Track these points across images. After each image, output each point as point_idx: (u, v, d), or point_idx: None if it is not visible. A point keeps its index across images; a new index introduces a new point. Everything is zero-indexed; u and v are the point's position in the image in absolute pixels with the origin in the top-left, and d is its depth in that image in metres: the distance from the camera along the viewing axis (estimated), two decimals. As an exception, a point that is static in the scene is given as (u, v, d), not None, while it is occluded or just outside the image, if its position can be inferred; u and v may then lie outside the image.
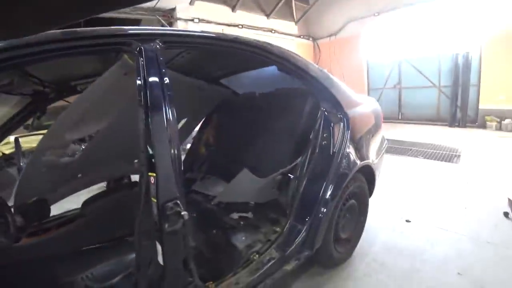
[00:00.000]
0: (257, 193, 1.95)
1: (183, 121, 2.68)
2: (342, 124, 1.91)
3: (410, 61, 7.72)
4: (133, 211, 1.98)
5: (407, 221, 2.68)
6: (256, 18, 7.62)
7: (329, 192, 1.75)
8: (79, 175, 1.84)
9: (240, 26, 7.20)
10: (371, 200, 2.36)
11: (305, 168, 1.82)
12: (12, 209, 1.62)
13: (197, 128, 3.04)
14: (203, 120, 2.91)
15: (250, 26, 7.37)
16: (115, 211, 1.86)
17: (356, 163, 1.96)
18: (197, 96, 2.39)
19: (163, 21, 5.97)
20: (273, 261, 1.61)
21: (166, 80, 1.17)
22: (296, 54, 1.82)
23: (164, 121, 1.10)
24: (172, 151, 1.10)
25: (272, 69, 2.57)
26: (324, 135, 1.84)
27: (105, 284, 1.81)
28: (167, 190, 1.08)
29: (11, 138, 2.38)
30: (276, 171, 1.89)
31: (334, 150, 1.82)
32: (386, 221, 2.69)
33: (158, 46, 1.18)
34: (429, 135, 6.27)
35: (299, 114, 2.09)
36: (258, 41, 1.60)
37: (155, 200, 1.06)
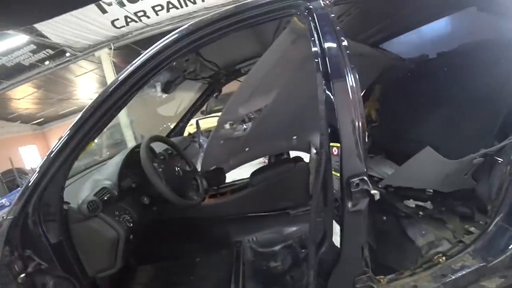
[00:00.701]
0: (442, 179, 1.55)
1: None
2: None
3: None
4: (297, 185, 2.07)
5: None
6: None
7: None
8: (246, 149, 2.02)
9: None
10: None
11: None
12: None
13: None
14: (362, 93, 2.65)
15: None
16: (280, 184, 1.96)
17: None
18: (358, 65, 2.15)
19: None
20: (467, 270, 1.21)
21: (344, 40, 1.02)
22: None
23: (346, 85, 0.97)
24: (358, 120, 0.96)
25: (444, 24, 2.00)
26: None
27: (266, 250, 1.96)
28: (353, 164, 0.95)
29: (193, 121, 2.89)
30: (472, 152, 1.42)
31: None
32: None
33: (328, 2, 1.04)
34: None
35: (508, 73, 1.48)
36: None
37: (338, 174, 0.95)
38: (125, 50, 6.58)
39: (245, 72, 2.39)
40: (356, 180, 0.93)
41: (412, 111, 2.12)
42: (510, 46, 1.49)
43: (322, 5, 1.04)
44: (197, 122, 2.85)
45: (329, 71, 0.97)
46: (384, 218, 1.70)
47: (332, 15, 1.04)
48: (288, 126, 2.03)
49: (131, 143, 5.81)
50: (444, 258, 1.29)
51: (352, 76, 0.98)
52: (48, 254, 1.10)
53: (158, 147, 1.85)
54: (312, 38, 1.02)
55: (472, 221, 1.43)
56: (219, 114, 1.75)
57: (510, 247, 1.20)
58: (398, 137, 2.15)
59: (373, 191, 0.92)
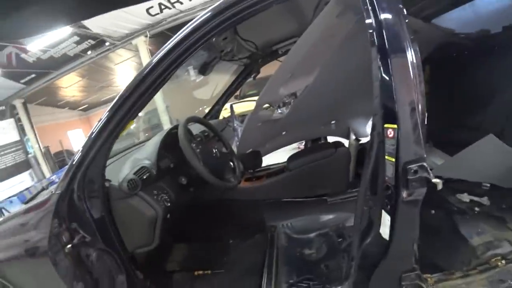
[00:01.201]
0: (504, 172, 1.36)
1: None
2: None
3: None
4: (336, 172, 1.98)
5: None
6: None
7: None
8: (284, 133, 1.95)
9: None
10: None
11: None
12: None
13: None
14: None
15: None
16: (318, 170, 1.87)
17: None
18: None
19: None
20: None
21: (402, 9, 0.89)
22: None
23: (406, 61, 0.85)
24: (418, 100, 0.85)
25: None
26: None
27: (301, 236, 1.91)
28: (411, 148, 0.84)
29: (227, 105, 2.87)
30: None
31: None
32: None
33: None
34: None
35: None
36: None
37: (393, 160, 0.85)
38: (160, 38, 6.70)
39: (283, 53, 2.30)
40: (414, 166, 0.83)
41: (469, 95, 1.89)
42: None
43: None
44: (231, 106, 2.82)
45: (386, 44, 0.85)
46: (433, 212, 1.54)
47: None
48: (327, 110, 1.92)
49: (167, 127, 6.03)
50: (503, 261, 1.15)
51: (412, 50, 0.86)
52: (92, 228, 1.16)
53: (195, 128, 1.84)
54: (366, 7, 0.90)
55: None
56: (253, 98, 1.70)
57: None
58: (450, 124, 1.94)
59: (434, 180, 0.82)
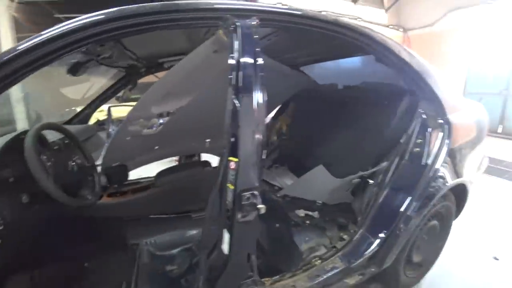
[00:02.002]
0: (328, 193, 1.80)
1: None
2: (442, 131, 1.61)
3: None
4: (202, 190, 2.06)
5: (495, 258, 2.23)
6: (342, 4, 7.12)
7: (412, 209, 1.49)
8: (156, 147, 1.94)
9: (324, 12, 6.81)
10: (454, 224, 2.00)
11: (388, 176, 1.59)
12: (100, 169, 1.79)
13: (271, 115, 2.97)
14: (278, 107, 2.82)
15: (335, 12, 6.93)
16: (185, 187, 1.93)
17: (450, 180, 1.64)
18: (277, 82, 2.30)
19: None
20: (335, 271, 1.46)
21: (260, 60, 1.07)
22: (399, 44, 1.56)
23: (253, 105, 1.02)
24: (258, 138, 1.03)
25: (356, 61, 2.33)
26: (418, 142, 1.57)
27: (164, 253, 1.91)
28: (246, 179, 1.01)
29: (105, 107, 2.64)
30: (353, 173, 1.70)
31: (428, 161, 1.54)
32: (467, 253, 2.28)
33: (254, 23, 1.09)
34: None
35: (390, 114, 1.83)
36: (360, 25, 1.41)
37: (232, 187, 1.00)
38: (36, 8, 5.48)
39: (168, 68, 2.28)
40: (247, 194, 1.00)
41: (315, 131, 2.38)
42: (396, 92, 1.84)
43: (249, 24, 1.08)
44: (109, 109, 2.58)
45: (239, 87, 1.01)
46: (277, 225, 1.86)
47: (256, 36, 1.08)
48: (202, 129, 2.02)
49: (21, 123, 4.81)
50: (320, 261, 1.51)
51: (260, 96, 1.03)
52: None
53: (54, 135, 1.61)
54: (231, 54, 1.05)
55: (346, 230, 1.71)
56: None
57: (367, 251, 1.49)
58: (301, 152, 2.39)
59: (259, 206, 1.00)
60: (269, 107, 2.75)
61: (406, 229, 1.49)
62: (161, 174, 2.06)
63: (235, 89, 1.02)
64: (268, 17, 1.16)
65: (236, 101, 1.01)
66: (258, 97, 1.04)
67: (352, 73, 2.33)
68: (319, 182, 1.81)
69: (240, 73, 1.02)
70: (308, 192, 1.88)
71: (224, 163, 1.03)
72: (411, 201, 1.49)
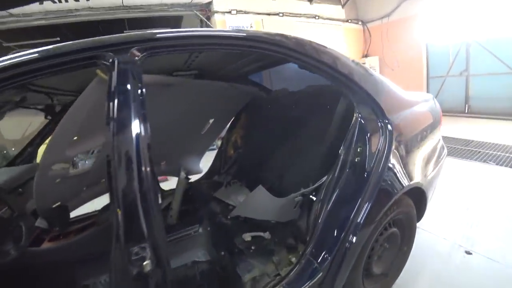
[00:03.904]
0: (277, 212, 1.69)
1: (210, 121, 2.51)
2: (383, 135, 1.52)
3: (481, 43, 6.46)
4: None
5: (467, 252, 2.13)
6: (298, 4, 7.13)
7: (359, 221, 1.38)
8: (84, 188, 1.83)
9: (281, 15, 6.81)
10: (422, 219, 1.93)
11: (330, 190, 1.47)
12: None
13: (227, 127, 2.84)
14: (232, 119, 2.71)
15: (292, 13, 6.94)
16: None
17: (402, 185, 1.54)
18: (223, 95, 2.20)
19: (201, 16, 5.91)
20: None
21: (140, 96, 0.95)
22: (322, 46, 1.46)
23: (133, 147, 0.88)
24: (141, 183, 0.88)
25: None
26: (358, 150, 1.47)
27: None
28: (133, 231, 0.88)
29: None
30: (303, 185, 1.59)
31: (370, 169, 1.44)
32: (438, 248, 2.21)
33: (135, 56, 0.98)
34: (505, 135, 4.92)
35: (329, 119, 1.73)
36: (270, 34, 1.30)
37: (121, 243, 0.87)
38: None
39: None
40: (136, 248, 0.86)
41: (267, 140, 2.28)
42: (334, 95, 1.75)
43: (129, 59, 0.96)
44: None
45: (114, 126, 0.88)
46: (222, 253, 1.72)
47: (138, 70, 0.97)
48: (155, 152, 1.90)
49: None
50: None
51: (142, 133, 0.90)
52: None
53: None
54: (108, 92, 0.92)
55: (295, 252, 1.58)
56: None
57: (311, 279, 1.35)
58: (256, 165, 2.28)
59: (145, 262, 0.86)
60: (220, 121, 2.65)
61: (354, 244, 1.37)
62: (101, 211, 1.95)
63: (111, 131, 0.88)
64: (154, 45, 1.04)
65: (112, 144, 0.87)
66: (138, 136, 0.89)
67: (299, 76, 2.25)
68: (262, 203, 1.68)
69: (115, 113, 0.89)
70: (256, 212, 1.75)
71: (114, 215, 0.88)
72: (356, 214, 1.39)
